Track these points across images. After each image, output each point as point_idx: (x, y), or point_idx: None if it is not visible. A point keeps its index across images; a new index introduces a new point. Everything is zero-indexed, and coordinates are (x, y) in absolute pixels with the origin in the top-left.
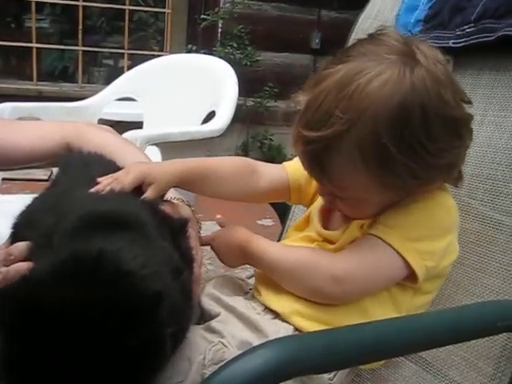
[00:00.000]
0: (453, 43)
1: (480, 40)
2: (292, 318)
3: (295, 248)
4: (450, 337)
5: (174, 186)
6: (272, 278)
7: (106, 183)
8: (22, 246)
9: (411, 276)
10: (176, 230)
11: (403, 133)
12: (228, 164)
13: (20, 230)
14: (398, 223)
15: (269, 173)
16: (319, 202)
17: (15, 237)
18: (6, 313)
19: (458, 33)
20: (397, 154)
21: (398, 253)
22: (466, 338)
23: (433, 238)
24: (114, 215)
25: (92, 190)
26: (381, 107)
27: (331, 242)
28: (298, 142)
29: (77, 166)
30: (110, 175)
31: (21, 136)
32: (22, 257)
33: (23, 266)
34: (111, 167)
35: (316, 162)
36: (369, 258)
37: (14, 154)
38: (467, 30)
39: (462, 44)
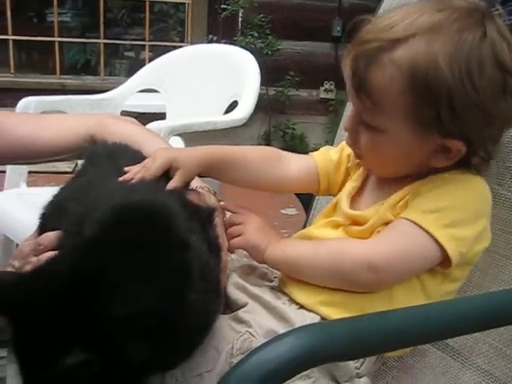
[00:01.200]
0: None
1: (507, 23)
2: (317, 307)
3: (323, 243)
4: (478, 324)
5: (200, 174)
6: (302, 278)
7: (134, 171)
8: (51, 235)
9: (444, 262)
10: (204, 219)
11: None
12: (254, 151)
13: (48, 219)
14: (433, 207)
15: (296, 161)
16: (348, 186)
17: (43, 227)
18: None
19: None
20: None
21: (434, 238)
22: (493, 325)
23: (467, 223)
24: (145, 207)
25: (121, 178)
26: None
27: (359, 224)
28: (352, 48)
29: (103, 156)
30: (138, 164)
31: (46, 130)
32: (52, 246)
33: (54, 255)
34: (137, 157)
35: (362, 69)
36: (405, 243)
37: (40, 148)
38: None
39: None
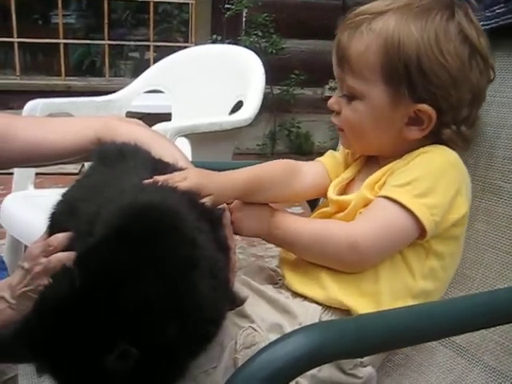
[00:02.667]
0: (482, 25)
1: (510, 21)
2: (316, 295)
3: (308, 222)
4: (484, 321)
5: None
6: (292, 252)
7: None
8: (60, 236)
9: (421, 232)
10: (214, 220)
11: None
12: (276, 169)
13: (58, 219)
14: (404, 181)
15: (309, 170)
16: (340, 177)
17: (52, 227)
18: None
19: (488, 14)
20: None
21: (407, 209)
22: (500, 322)
23: (437, 192)
24: (153, 207)
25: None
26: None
27: (344, 209)
28: (339, 28)
29: (115, 155)
30: (168, 176)
31: (52, 133)
32: (62, 247)
33: (64, 255)
34: (147, 157)
35: (345, 40)
36: (381, 220)
37: (47, 151)
38: (497, 11)
39: (492, 25)
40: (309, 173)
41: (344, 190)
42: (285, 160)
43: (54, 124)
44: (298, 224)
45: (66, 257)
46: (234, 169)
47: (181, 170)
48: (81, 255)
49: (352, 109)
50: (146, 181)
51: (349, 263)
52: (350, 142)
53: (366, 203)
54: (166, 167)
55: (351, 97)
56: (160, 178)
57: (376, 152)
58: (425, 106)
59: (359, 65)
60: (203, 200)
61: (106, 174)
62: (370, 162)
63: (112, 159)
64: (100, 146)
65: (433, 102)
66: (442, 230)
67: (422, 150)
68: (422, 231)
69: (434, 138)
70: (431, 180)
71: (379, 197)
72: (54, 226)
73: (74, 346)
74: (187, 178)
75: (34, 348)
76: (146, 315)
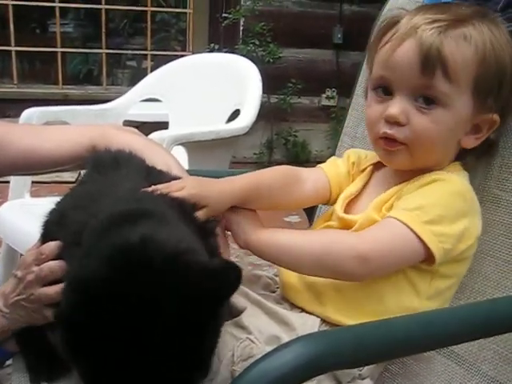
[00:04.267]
0: None
1: (508, 29)
2: (316, 311)
3: (312, 232)
4: (482, 330)
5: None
6: (292, 267)
7: (154, 189)
8: (52, 245)
9: (428, 258)
10: (205, 229)
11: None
12: (275, 176)
13: (50, 228)
14: (415, 205)
15: (309, 177)
16: (347, 191)
17: (45, 236)
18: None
19: None
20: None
21: (416, 234)
22: (498, 332)
23: (448, 221)
24: (141, 213)
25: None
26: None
27: (349, 227)
28: (406, 32)
29: (109, 163)
30: (165, 185)
31: (48, 141)
32: (53, 255)
33: (55, 264)
34: (141, 165)
35: (436, 43)
36: (389, 237)
37: (43, 159)
38: None
39: None
40: (309, 180)
41: (350, 206)
42: (284, 166)
43: (49, 132)
44: (299, 234)
45: (58, 265)
46: (230, 177)
47: (175, 178)
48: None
49: (431, 119)
50: (143, 189)
51: (350, 271)
52: (411, 158)
53: (372, 224)
54: (160, 175)
55: (430, 104)
56: (157, 188)
57: (431, 165)
58: (496, 116)
59: (457, 71)
60: (200, 211)
61: (99, 182)
62: (378, 175)
63: (106, 167)
64: (94, 153)
65: (501, 112)
66: (450, 258)
67: (432, 176)
68: (429, 257)
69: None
70: (441, 209)
71: (389, 217)
72: (47, 234)
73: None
74: (185, 188)
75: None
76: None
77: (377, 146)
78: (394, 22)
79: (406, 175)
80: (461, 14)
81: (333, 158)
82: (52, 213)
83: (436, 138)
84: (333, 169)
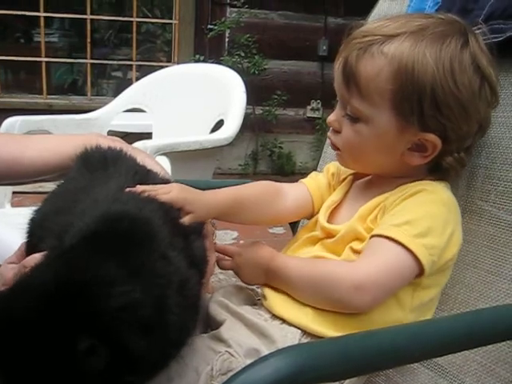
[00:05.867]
0: None
1: (488, 41)
2: (298, 322)
3: (312, 262)
4: (466, 342)
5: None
6: (294, 295)
7: (142, 190)
8: (37, 257)
9: (419, 271)
10: (191, 232)
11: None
12: (258, 190)
13: (33, 229)
14: (403, 220)
15: (290, 191)
16: (333, 196)
17: (28, 237)
18: None
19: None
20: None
21: (408, 249)
22: (481, 343)
23: (436, 232)
24: (127, 219)
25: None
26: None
27: (332, 237)
28: (344, 45)
29: (96, 161)
30: (152, 186)
31: (31, 149)
32: None
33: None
34: (130, 164)
35: (353, 60)
36: (384, 260)
37: (25, 168)
38: (476, 32)
39: None
40: (290, 195)
41: (333, 215)
42: (266, 182)
43: (32, 140)
44: (297, 270)
45: None
46: (214, 188)
47: (164, 179)
48: (51, 261)
49: (355, 130)
50: (130, 189)
51: (353, 305)
52: (347, 162)
53: (357, 236)
54: (148, 175)
55: (355, 118)
56: (144, 188)
57: (373, 172)
58: (431, 136)
59: (369, 89)
60: (184, 217)
61: (86, 180)
62: (358, 184)
63: (95, 164)
64: (85, 150)
65: (440, 132)
66: (435, 268)
67: (417, 187)
68: (420, 270)
69: (434, 163)
70: (428, 221)
71: (379, 236)
72: (30, 236)
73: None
74: (171, 192)
75: None
76: (116, 318)
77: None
78: (353, 29)
79: (386, 184)
80: (401, 28)
81: (313, 172)
82: (36, 213)
83: (361, 149)
84: (314, 183)
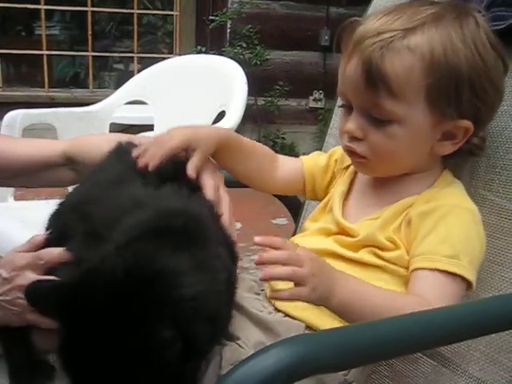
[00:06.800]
0: None
1: (493, 29)
2: (301, 315)
3: (397, 296)
4: (469, 331)
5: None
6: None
7: (145, 148)
8: (54, 251)
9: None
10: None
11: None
12: (261, 148)
13: (60, 221)
14: (452, 252)
15: (286, 163)
16: (340, 187)
17: (54, 223)
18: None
19: None
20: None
21: (466, 280)
22: (485, 332)
23: (479, 250)
24: (180, 223)
25: (135, 154)
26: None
27: (348, 235)
28: (354, 47)
29: (129, 153)
30: (151, 142)
31: (21, 145)
32: (53, 263)
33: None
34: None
35: (377, 60)
36: (452, 297)
37: (10, 162)
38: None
39: None
40: (284, 167)
41: (344, 206)
42: (267, 148)
43: (22, 140)
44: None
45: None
46: None
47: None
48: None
49: (386, 134)
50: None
51: None
52: (375, 169)
53: (378, 244)
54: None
55: (385, 121)
56: (146, 147)
57: (401, 172)
58: (465, 122)
59: (402, 88)
60: (191, 154)
61: (123, 175)
62: (363, 176)
63: (129, 157)
64: (118, 144)
65: (474, 116)
66: None
67: (447, 199)
68: (468, 287)
69: (461, 147)
70: (471, 242)
71: (436, 270)
72: (56, 223)
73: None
74: (172, 136)
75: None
76: (190, 308)
77: (347, 156)
78: (351, 30)
79: (401, 184)
80: (414, 19)
81: (316, 152)
82: (64, 206)
83: (394, 152)
84: (311, 162)
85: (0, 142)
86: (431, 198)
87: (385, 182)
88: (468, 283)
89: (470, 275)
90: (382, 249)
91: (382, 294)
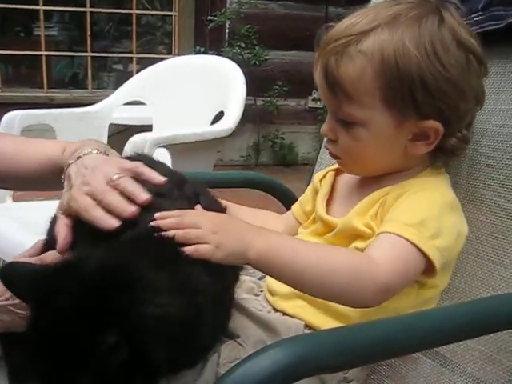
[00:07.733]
0: None
1: (488, 28)
2: (298, 313)
3: (320, 249)
4: (467, 331)
5: None
6: (293, 281)
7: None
8: (57, 254)
9: (428, 271)
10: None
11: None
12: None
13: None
14: (415, 220)
15: (284, 222)
16: (322, 190)
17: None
18: None
19: (466, 22)
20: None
21: (422, 251)
22: (483, 332)
23: (446, 233)
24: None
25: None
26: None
27: (331, 229)
28: (320, 52)
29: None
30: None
31: (8, 144)
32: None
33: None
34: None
35: (333, 66)
36: (402, 260)
37: (24, 161)
38: (475, 19)
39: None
40: (282, 225)
41: (328, 208)
42: (272, 213)
43: (30, 140)
44: (304, 256)
45: None
46: (215, 179)
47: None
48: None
49: (352, 136)
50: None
51: (372, 304)
52: (351, 168)
53: (357, 233)
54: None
55: (350, 123)
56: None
57: (382, 173)
58: (431, 122)
59: (356, 92)
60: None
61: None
62: (349, 178)
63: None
64: (136, 153)
65: (439, 116)
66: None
67: (422, 185)
68: (430, 270)
69: (437, 148)
70: (439, 221)
71: (395, 234)
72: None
73: (66, 325)
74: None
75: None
76: (148, 325)
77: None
78: (323, 35)
79: (386, 179)
80: (373, 22)
81: (301, 196)
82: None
83: (363, 152)
84: (299, 207)
85: (15, 143)
86: (407, 185)
87: (366, 179)
88: (427, 261)
89: (430, 251)
90: (364, 238)
91: (319, 248)
